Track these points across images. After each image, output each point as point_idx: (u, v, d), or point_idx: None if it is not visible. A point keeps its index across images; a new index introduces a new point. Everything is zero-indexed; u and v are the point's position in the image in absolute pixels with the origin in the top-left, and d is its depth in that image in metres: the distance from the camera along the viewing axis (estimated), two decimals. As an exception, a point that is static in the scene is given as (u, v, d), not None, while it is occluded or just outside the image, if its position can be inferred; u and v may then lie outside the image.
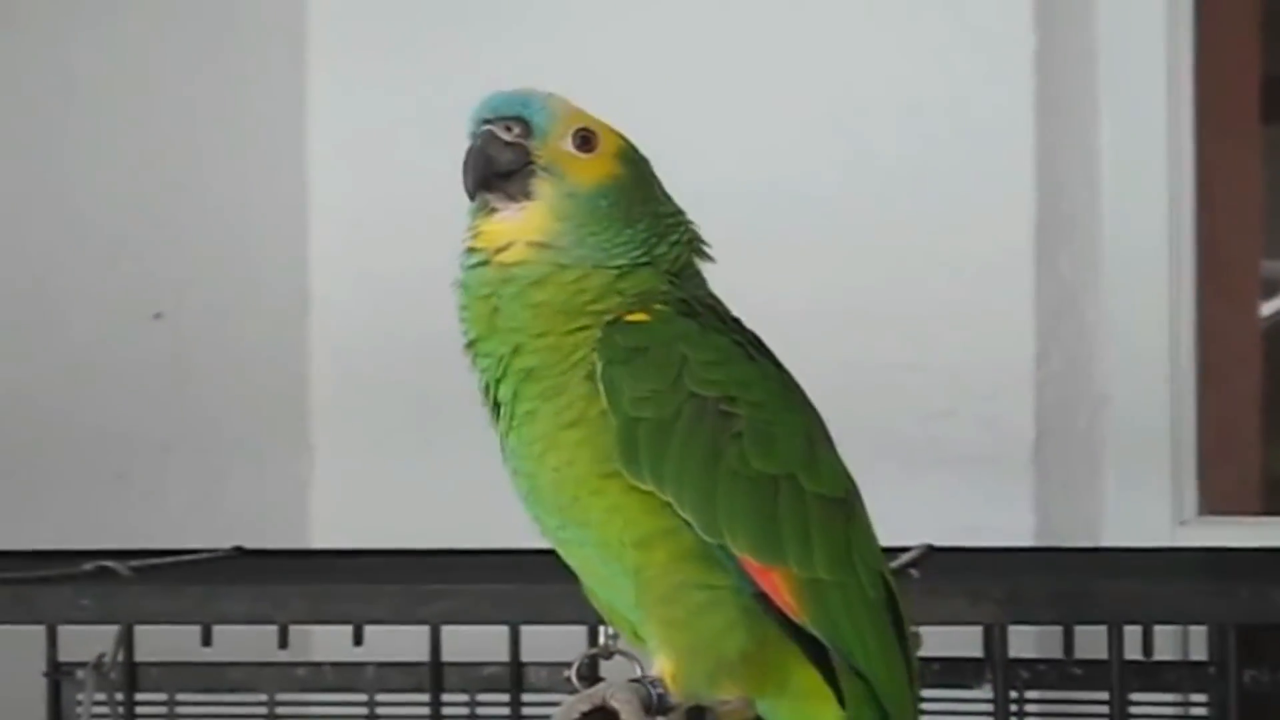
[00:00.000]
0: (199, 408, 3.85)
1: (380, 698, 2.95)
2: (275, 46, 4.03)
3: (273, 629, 2.83)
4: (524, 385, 1.89)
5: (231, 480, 3.89)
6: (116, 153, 3.74)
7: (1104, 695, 2.73)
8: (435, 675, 2.93)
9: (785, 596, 1.88)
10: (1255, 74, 4.17)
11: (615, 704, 1.87)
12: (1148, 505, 3.81)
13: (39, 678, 2.94)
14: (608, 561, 1.89)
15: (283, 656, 2.91)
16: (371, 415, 4.00)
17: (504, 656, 2.92)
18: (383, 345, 3.95)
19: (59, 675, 2.94)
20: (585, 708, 1.88)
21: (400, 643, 2.87)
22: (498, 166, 1.90)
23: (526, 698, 2.93)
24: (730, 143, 3.82)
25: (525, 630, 2.86)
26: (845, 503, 1.93)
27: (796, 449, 1.90)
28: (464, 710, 2.96)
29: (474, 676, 2.95)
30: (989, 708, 2.77)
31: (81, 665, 2.91)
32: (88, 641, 2.90)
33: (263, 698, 2.97)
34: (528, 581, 2.61)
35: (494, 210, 1.90)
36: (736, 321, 1.96)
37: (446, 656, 2.92)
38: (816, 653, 1.91)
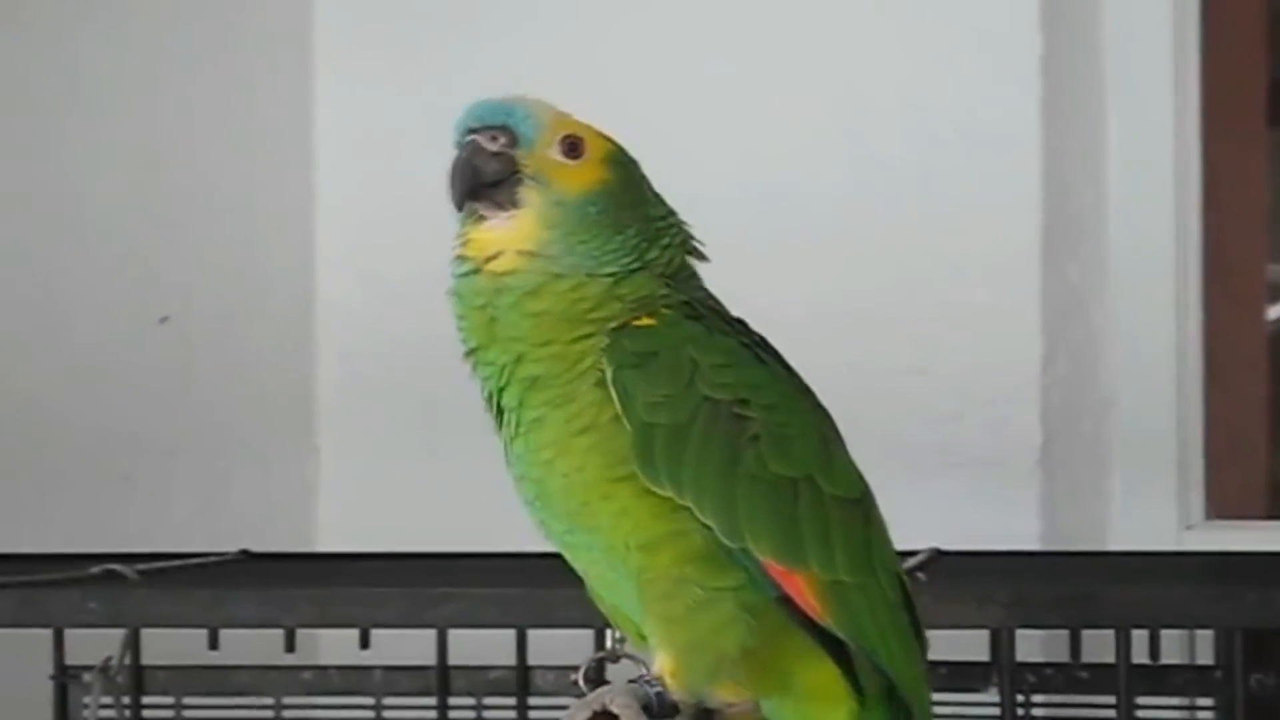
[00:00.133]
0: (205, 411, 3.84)
1: (387, 701, 2.96)
2: (282, 49, 4.02)
3: (279, 632, 2.84)
4: (530, 393, 1.88)
5: (238, 483, 3.88)
6: (122, 155, 3.74)
7: (1110, 699, 2.73)
8: (442, 679, 2.93)
9: (809, 599, 1.88)
10: (1262, 77, 4.16)
11: (615, 708, 1.87)
12: (1154, 509, 3.81)
13: (46, 681, 2.95)
14: (614, 565, 1.89)
15: (289, 660, 2.91)
16: (378, 418, 4.00)
17: (510, 660, 2.92)
18: (389, 348, 3.95)
19: (66, 678, 2.94)
20: (585, 715, 1.87)
21: (407, 646, 2.88)
22: (484, 178, 1.89)
23: (533, 701, 2.93)
24: (734, 145, 3.81)
25: (532, 634, 2.87)
26: (862, 504, 1.93)
27: (812, 451, 1.90)
28: (471, 714, 2.96)
29: (481, 680, 2.96)
30: (996, 711, 2.77)
31: (88, 668, 2.91)
32: (94, 645, 2.90)
33: (269, 701, 2.97)
34: (534, 585, 2.60)
35: (482, 218, 1.90)
36: (740, 322, 1.96)
37: (453, 660, 2.92)
38: (836, 652, 1.91)
